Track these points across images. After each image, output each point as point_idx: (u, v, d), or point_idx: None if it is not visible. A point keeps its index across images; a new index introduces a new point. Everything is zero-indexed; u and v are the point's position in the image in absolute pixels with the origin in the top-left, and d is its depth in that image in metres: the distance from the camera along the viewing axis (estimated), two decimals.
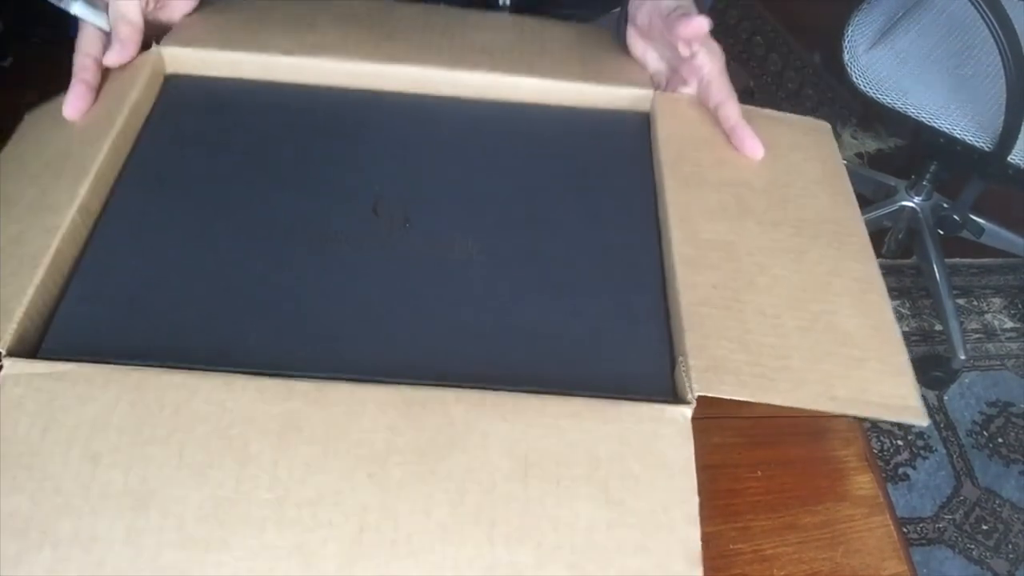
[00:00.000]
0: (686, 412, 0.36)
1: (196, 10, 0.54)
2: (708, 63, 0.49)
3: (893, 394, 0.38)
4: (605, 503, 0.34)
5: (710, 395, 0.36)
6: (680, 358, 0.38)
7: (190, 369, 0.36)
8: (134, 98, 0.46)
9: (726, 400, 0.36)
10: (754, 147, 0.48)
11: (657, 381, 0.39)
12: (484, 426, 0.35)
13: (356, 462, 0.34)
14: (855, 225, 0.46)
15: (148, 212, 0.43)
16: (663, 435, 0.36)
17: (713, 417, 0.37)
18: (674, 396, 0.38)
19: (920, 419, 0.37)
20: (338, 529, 0.32)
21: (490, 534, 0.32)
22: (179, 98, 0.49)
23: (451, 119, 0.50)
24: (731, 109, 0.49)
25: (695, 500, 0.34)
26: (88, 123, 0.46)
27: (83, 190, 0.41)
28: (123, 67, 0.48)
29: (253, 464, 0.33)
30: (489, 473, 0.34)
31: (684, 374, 0.37)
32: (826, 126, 0.52)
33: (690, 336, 0.38)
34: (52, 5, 0.46)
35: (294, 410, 0.35)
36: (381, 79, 0.51)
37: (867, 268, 0.44)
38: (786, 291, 0.41)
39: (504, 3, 0.58)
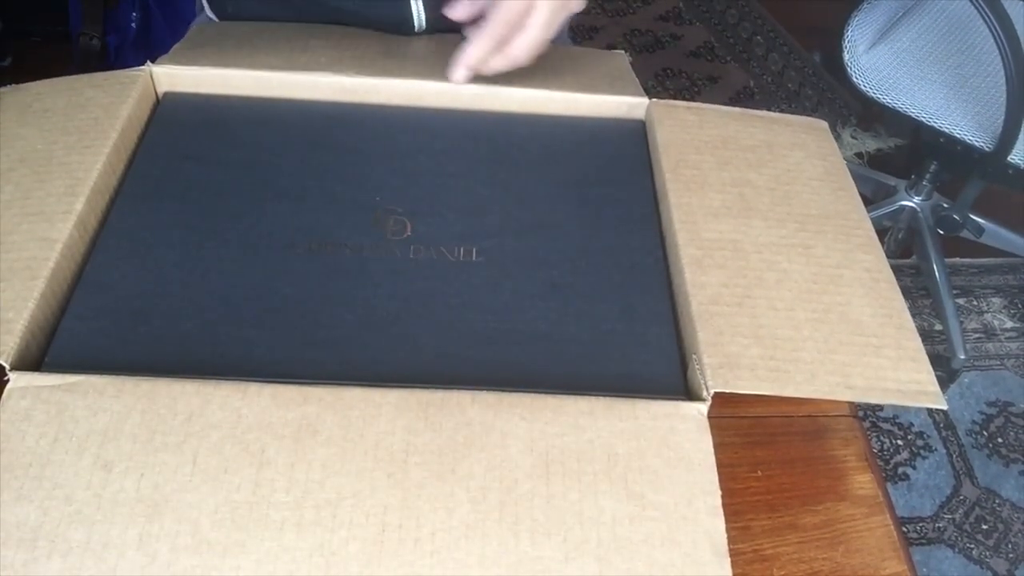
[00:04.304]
0: (702, 408, 0.37)
1: (186, 36, 0.55)
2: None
3: (909, 380, 0.39)
4: (627, 498, 0.34)
5: (727, 391, 0.36)
6: (693, 356, 0.39)
7: (202, 378, 0.36)
8: (125, 115, 0.46)
9: (727, 399, 0.36)
10: (455, 80, 0.48)
11: (668, 381, 0.39)
12: (502, 425, 0.35)
13: (375, 463, 0.34)
14: (860, 219, 0.46)
15: (148, 227, 0.43)
16: (680, 431, 0.36)
17: (713, 417, 0.37)
18: (687, 395, 0.38)
19: (939, 403, 0.38)
20: (360, 529, 0.32)
21: (515, 530, 0.32)
22: (174, 115, 0.49)
23: (448, 130, 0.50)
24: (472, 47, 0.47)
25: (717, 493, 0.34)
26: (76, 135, 0.45)
27: (79, 205, 0.41)
28: (112, 84, 0.48)
29: (269, 468, 0.33)
30: (510, 471, 0.34)
31: (698, 371, 0.37)
32: (824, 124, 0.53)
33: (703, 334, 0.39)
34: None
35: (309, 414, 0.35)
36: (376, 93, 0.51)
37: (875, 259, 0.44)
38: (796, 285, 0.42)
39: (420, 28, 0.59)
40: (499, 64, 0.49)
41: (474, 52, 0.48)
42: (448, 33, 0.58)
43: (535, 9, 0.47)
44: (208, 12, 0.64)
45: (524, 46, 0.48)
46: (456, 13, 0.50)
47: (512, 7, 0.47)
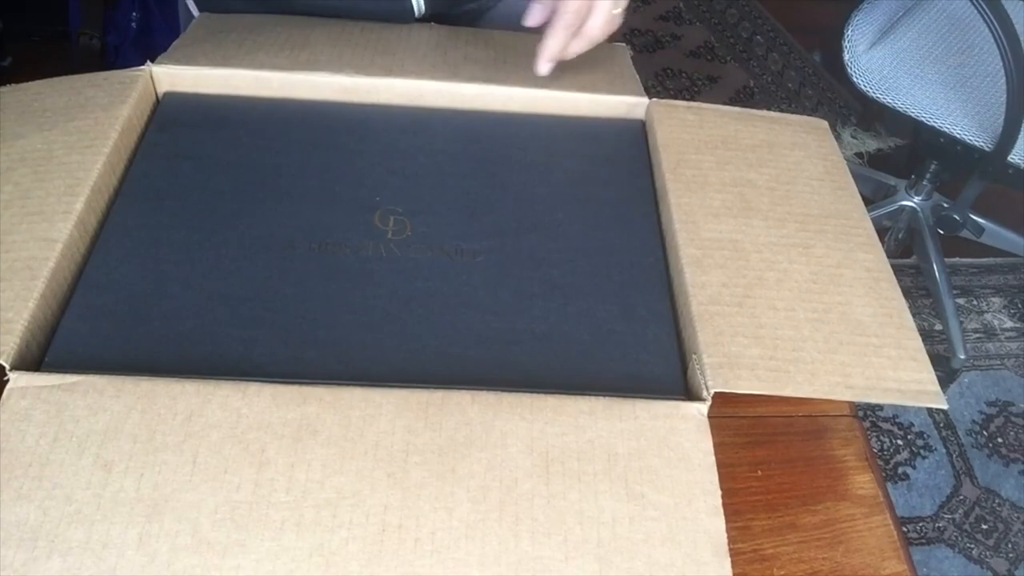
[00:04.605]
0: (702, 408, 0.37)
1: (186, 32, 0.55)
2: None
3: (910, 379, 0.39)
4: (627, 497, 0.34)
5: (726, 391, 0.36)
6: (693, 356, 0.39)
7: (202, 378, 0.36)
8: (125, 115, 0.46)
9: (727, 399, 0.36)
10: (541, 73, 0.51)
11: (668, 381, 0.39)
12: (502, 425, 0.35)
13: (375, 463, 0.34)
14: (860, 218, 0.46)
15: (148, 227, 0.43)
16: (680, 430, 0.36)
17: (713, 416, 0.37)
18: (687, 395, 0.38)
19: (939, 402, 0.38)
20: (359, 529, 0.32)
21: (515, 530, 0.32)
22: (174, 115, 0.49)
23: (448, 129, 0.50)
24: (550, 39, 0.50)
25: (717, 492, 0.34)
26: (76, 135, 0.45)
27: (79, 205, 0.41)
28: (112, 84, 0.48)
29: (269, 467, 0.33)
30: (510, 471, 0.34)
31: (698, 371, 0.37)
32: (824, 124, 0.53)
33: (703, 335, 0.39)
34: None
35: (309, 414, 0.35)
36: (376, 93, 0.51)
37: (875, 258, 0.44)
38: (796, 284, 0.42)
39: (420, 13, 0.59)
40: (578, 46, 0.51)
41: (553, 44, 0.50)
42: (447, 25, 0.58)
43: None
44: (192, 9, 0.64)
45: (598, 24, 0.50)
46: (533, 21, 0.52)
47: None
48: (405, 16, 0.59)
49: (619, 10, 0.50)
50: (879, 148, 1.70)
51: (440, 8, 0.60)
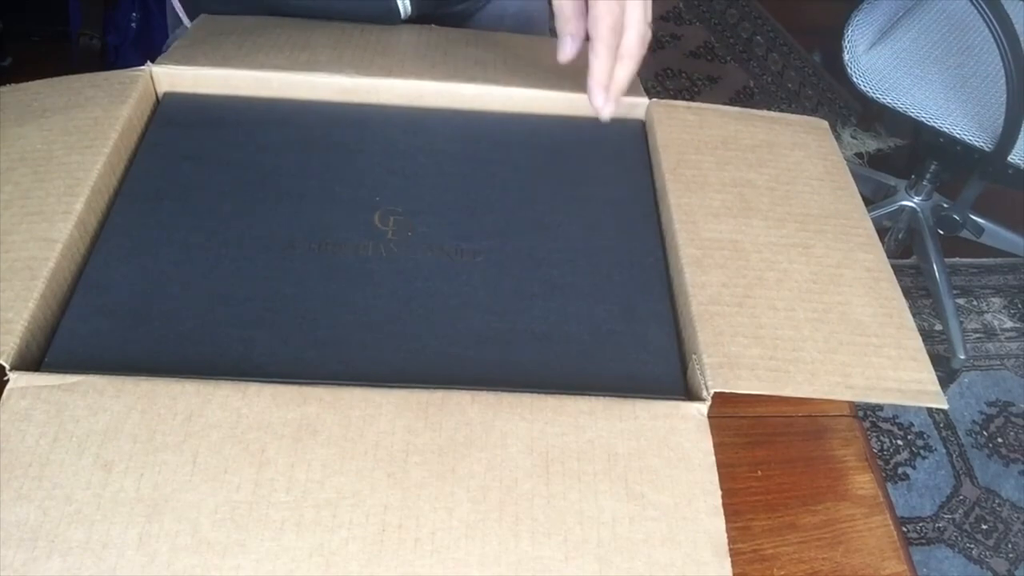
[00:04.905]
0: (702, 408, 0.37)
1: (186, 33, 0.55)
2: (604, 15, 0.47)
3: (910, 379, 0.39)
4: (627, 497, 0.34)
5: (726, 391, 0.36)
6: (693, 356, 0.39)
7: (202, 378, 0.36)
8: (125, 115, 0.46)
9: (727, 399, 0.36)
10: (602, 107, 0.48)
11: (668, 381, 0.39)
12: (502, 425, 0.35)
13: (375, 463, 0.34)
14: (860, 218, 0.46)
15: (148, 227, 0.43)
16: (680, 430, 0.36)
17: (713, 416, 0.37)
18: (687, 395, 0.38)
19: (939, 402, 0.38)
20: (359, 529, 0.32)
21: (515, 530, 0.32)
22: (174, 115, 0.49)
23: (448, 130, 0.50)
24: (595, 64, 0.48)
25: (718, 492, 0.34)
26: (76, 135, 0.45)
27: (79, 205, 0.41)
28: (112, 84, 0.48)
29: (270, 467, 0.33)
30: (510, 471, 0.34)
31: (698, 371, 0.38)
32: (824, 124, 0.53)
33: (703, 335, 0.39)
34: None
35: (309, 414, 0.35)
36: (376, 93, 0.51)
37: (875, 258, 0.44)
38: (796, 284, 0.42)
39: (406, 15, 0.59)
40: (624, 70, 0.49)
41: (600, 68, 0.48)
42: (440, 26, 0.58)
43: (628, 6, 0.48)
44: (180, 13, 0.63)
45: (633, 42, 0.49)
46: (566, 56, 0.50)
47: (608, 14, 0.48)
48: (391, 17, 0.59)
49: (649, 19, 0.50)
50: (879, 148, 1.70)
51: (426, 9, 0.60)
